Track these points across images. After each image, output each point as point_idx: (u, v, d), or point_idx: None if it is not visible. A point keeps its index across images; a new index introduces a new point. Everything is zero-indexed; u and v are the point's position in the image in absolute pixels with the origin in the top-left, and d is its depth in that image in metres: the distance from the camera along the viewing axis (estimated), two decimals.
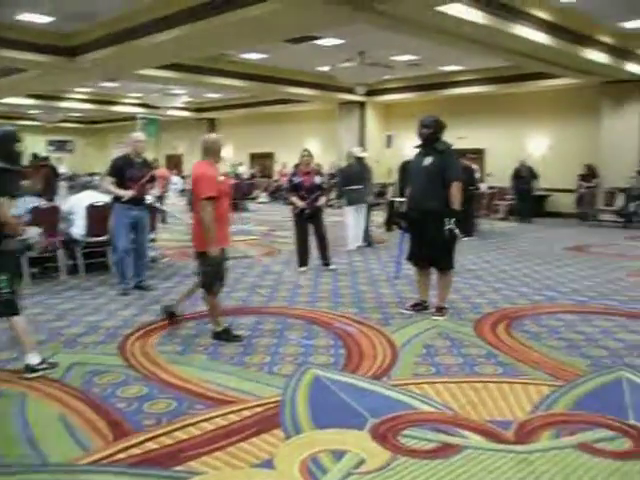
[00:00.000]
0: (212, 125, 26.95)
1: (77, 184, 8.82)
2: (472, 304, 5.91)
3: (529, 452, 2.83)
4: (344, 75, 14.41)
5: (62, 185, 17.38)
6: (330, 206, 10.29)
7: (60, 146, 31.52)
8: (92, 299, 6.03)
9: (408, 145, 16.05)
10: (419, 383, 3.74)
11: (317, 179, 7.71)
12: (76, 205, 7.15)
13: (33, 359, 3.80)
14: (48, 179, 13.04)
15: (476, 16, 9.19)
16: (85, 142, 33.50)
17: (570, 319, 5.35)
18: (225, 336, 4.63)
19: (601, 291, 6.58)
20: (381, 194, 14.27)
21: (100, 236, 7.08)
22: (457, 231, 5.11)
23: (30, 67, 13.52)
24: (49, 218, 6.79)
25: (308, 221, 7.65)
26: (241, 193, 18.14)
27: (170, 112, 23.18)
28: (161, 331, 4.90)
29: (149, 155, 13.93)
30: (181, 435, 3.00)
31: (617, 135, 14.57)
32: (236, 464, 2.72)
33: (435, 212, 5.10)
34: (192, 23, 9.80)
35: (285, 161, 22.38)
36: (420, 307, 5.51)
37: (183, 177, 23.69)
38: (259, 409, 3.32)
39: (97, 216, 6.98)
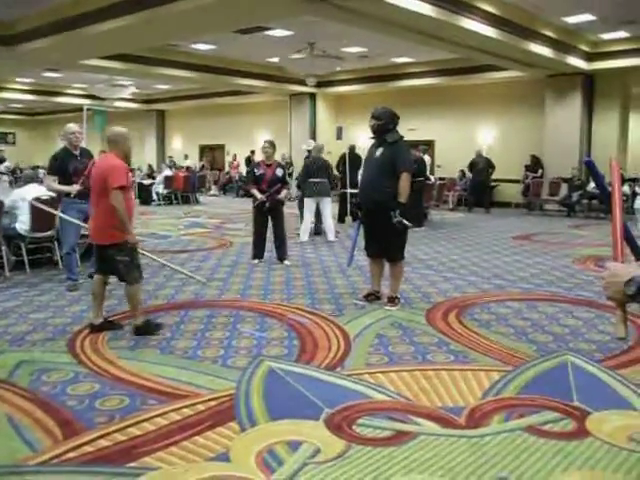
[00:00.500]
0: (161, 117, 26.51)
1: (23, 177, 8.53)
2: (423, 293, 6.01)
3: (480, 436, 2.91)
4: (294, 66, 14.38)
5: (3, 179, 16.84)
6: (289, 199, 10.24)
7: (1, 138, 30.43)
8: (39, 295, 5.87)
9: (360, 137, 16.21)
10: (373, 372, 3.78)
11: (279, 172, 7.59)
12: (20, 199, 6.93)
13: None
14: None
15: (425, 9, 9.30)
16: (28, 134, 32.42)
17: (517, 306, 5.50)
18: (146, 329, 4.55)
19: (547, 278, 6.79)
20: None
21: (45, 231, 6.88)
22: (406, 222, 5.15)
23: None
24: None
25: (267, 214, 7.56)
26: (192, 185, 17.92)
27: (117, 104, 22.66)
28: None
29: (96, 147, 13.60)
30: (135, 431, 2.96)
31: (560, 127, 15.03)
32: (191, 458, 2.70)
33: (385, 203, 5.15)
34: (137, 12, 9.61)
35: (236, 153, 22.21)
36: (373, 297, 5.57)
37: (132, 170, 23.23)
38: (213, 403, 3.30)
39: (42, 210, 6.76)
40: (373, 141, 5.48)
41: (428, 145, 15.99)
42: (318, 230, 10.23)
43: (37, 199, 6.74)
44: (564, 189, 14.89)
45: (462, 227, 12.07)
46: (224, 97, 21.34)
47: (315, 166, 9.64)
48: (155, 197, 17.21)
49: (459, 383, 3.60)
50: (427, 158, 12.95)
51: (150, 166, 21.52)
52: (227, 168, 22.87)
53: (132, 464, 2.66)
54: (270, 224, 7.67)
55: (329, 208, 9.65)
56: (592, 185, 13.52)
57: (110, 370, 3.81)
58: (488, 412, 3.18)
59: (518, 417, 3.13)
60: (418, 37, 11.08)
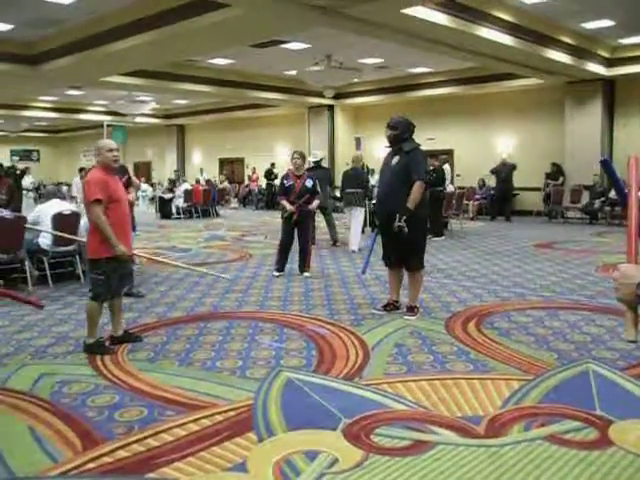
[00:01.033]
0: (181, 131, 26.83)
1: (45, 193, 8.68)
2: (443, 303, 5.97)
3: (500, 445, 2.87)
4: (312, 79, 14.48)
5: (28, 196, 17.15)
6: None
7: (25, 156, 31.00)
8: (61, 309, 5.94)
9: (378, 147, 16.23)
10: (391, 382, 3.76)
11: (309, 182, 7.51)
12: (43, 214, 7.04)
13: None
14: (12, 189, 12.81)
15: (441, 18, 9.33)
16: (52, 151, 33.00)
17: (538, 315, 5.44)
18: (97, 349, 4.44)
19: (569, 286, 6.70)
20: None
21: (68, 245, 6.99)
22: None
23: None
24: (14, 229, 6.67)
25: (295, 226, 7.49)
26: (211, 199, 18.08)
27: (138, 119, 22.99)
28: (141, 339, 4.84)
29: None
30: (153, 442, 2.97)
31: (581, 134, 14.89)
32: (209, 469, 2.71)
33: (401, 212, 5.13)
34: (156, 29, 9.76)
35: (255, 166, 22.34)
36: (392, 307, 5.55)
37: (152, 184, 23.52)
38: (232, 413, 3.30)
39: (65, 225, 6.88)
40: (388, 150, 5.49)
41: (447, 154, 15.95)
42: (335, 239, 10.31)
43: (59, 214, 6.86)
44: (586, 196, 14.73)
45: (482, 236, 11.98)
46: (243, 111, 21.54)
47: (351, 176, 9.75)
48: (175, 211, 17.37)
49: (478, 392, 3.56)
50: (447, 168, 12.90)
51: (171, 180, 21.77)
52: (246, 181, 23.01)
53: (150, 475, 2.67)
54: (295, 235, 7.60)
55: (359, 218, 9.66)
56: (614, 192, 13.34)
57: (129, 382, 3.84)
58: (508, 421, 3.14)
59: (539, 426, 3.08)
60: (435, 47, 11.10)
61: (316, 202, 7.66)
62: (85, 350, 4.46)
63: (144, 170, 27.37)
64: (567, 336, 4.74)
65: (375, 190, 5.69)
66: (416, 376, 3.88)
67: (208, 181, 21.04)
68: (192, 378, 3.88)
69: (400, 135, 5.31)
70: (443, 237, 11.34)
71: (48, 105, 21.95)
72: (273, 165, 20.38)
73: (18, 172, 17.18)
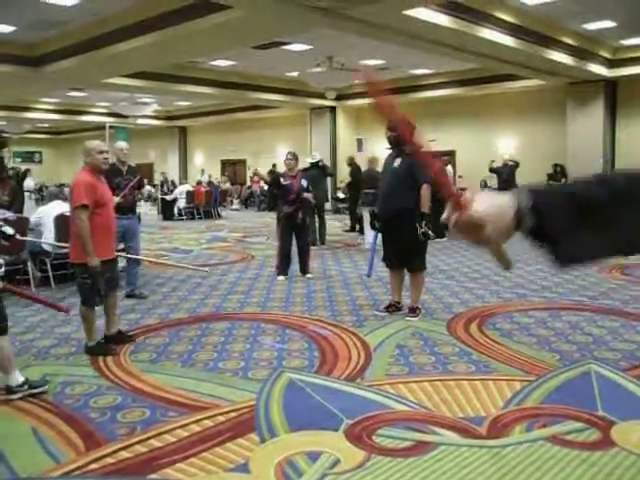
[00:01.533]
0: (183, 133, 26.86)
1: (47, 194, 8.70)
2: (445, 304, 5.97)
3: (502, 446, 2.87)
4: (314, 80, 14.49)
5: (31, 198, 17.16)
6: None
7: (27, 157, 31.05)
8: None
9: (379, 149, 16.20)
10: (393, 383, 3.76)
11: (304, 182, 7.60)
12: (45, 216, 7.05)
13: (12, 380, 3.55)
14: (14, 191, 12.82)
15: (442, 20, 9.33)
16: (53, 153, 33.05)
17: (540, 316, 5.44)
18: (99, 350, 4.44)
19: (571, 287, 6.70)
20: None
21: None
22: (430, 232, 5.14)
23: None
24: (17, 230, 6.67)
25: (293, 227, 7.47)
26: (213, 200, 18.10)
27: (140, 121, 23.01)
28: (134, 340, 4.85)
29: None
30: (155, 443, 2.98)
31: (583, 135, 14.88)
32: (211, 469, 2.71)
33: (403, 213, 5.14)
34: (158, 31, 9.78)
35: (257, 167, 22.34)
36: (394, 308, 5.55)
37: (154, 186, 23.54)
38: (234, 414, 3.31)
39: (67, 226, 6.87)
40: (389, 152, 5.49)
41: (449, 155, 15.96)
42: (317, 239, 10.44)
43: (61, 215, 6.87)
44: None
45: None
46: (244, 112, 21.55)
47: (367, 177, 9.88)
48: (177, 212, 17.39)
49: (480, 393, 3.56)
50: (449, 169, 12.91)
51: (172, 182, 21.80)
52: (248, 182, 23.02)
53: (153, 475, 2.68)
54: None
55: None
56: None
57: (132, 383, 3.85)
58: (510, 422, 3.14)
59: (541, 427, 3.08)
60: (436, 48, 11.10)
61: (309, 195, 7.66)
62: (87, 352, 4.46)
63: (146, 172, 27.40)
64: (569, 337, 4.73)
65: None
66: (418, 377, 3.88)
67: (210, 182, 21.05)
68: (194, 379, 3.89)
69: (400, 136, 5.31)
70: (445, 238, 11.33)
71: (50, 107, 21.99)
72: (274, 166, 20.38)
73: (20, 173, 17.19)
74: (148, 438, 3.03)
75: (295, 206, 7.40)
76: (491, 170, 15.61)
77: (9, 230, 3.80)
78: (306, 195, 7.53)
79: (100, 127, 21.69)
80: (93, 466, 2.76)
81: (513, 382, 3.74)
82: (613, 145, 15.01)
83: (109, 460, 2.81)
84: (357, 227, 12.35)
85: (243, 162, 24.46)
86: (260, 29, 9.67)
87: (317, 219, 10.65)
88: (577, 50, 12.51)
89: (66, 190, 9.74)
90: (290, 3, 8.24)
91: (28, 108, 21.54)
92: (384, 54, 13.74)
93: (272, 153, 21.97)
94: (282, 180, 7.58)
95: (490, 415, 3.23)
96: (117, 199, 5.97)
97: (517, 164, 15.31)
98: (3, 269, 3.34)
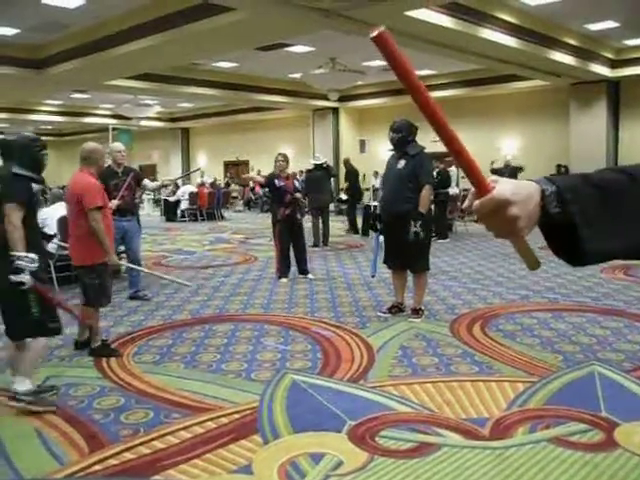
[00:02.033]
0: (186, 134, 26.90)
1: (50, 196, 8.73)
2: (448, 305, 5.97)
3: (505, 447, 2.87)
4: (316, 81, 14.50)
5: None
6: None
7: None
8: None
9: (382, 150, 16.21)
10: (396, 384, 3.76)
11: (297, 183, 7.67)
12: (49, 217, 7.07)
13: (22, 386, 3.46)
14: None
15: (445, 20, 9.33)
16: (55, 154, 33.09)
17: (543, 317, 5.43)
18: (103, 351, 4.45)
19: (574, 288, 6.69)
20: (359, 199, 14.39)
21: None
22: (422, 233, 5.12)
23: None
24: None
25: (292, 228, 7.49)
26: (216, 202, 18.10)
27: (143, 122, 23.06)
28: (137, 342, 4.86)
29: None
30: (159, 444, 2.98)
31: (586, 135, 14.87)
32: (214, 471, 2.72)
33: (406, 215, 5.14)
34: (160, 33, 9.81)
35: (260, 169, 22.37)
36: (396, 309, 5.55)
37: (165, 186, 23.49)
38: (236, 416, 3.31)
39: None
40: (392, 153, 5.50)
41: (450, 157, 15.91)
42: (320, 241, 10.54)
43: (65, 217, 6.85)
44: None
45: (487, 238, 11.95)
46: (247, 114, 21.58)
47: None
48: (180, 213, 17.41)
49: (483, 394, 3.56)
50: (453, 170, 12.89)
51: (175, 183, 21.76)
52: (251, 184, 23.00)
53: (156, 477, 2.68)
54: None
55: None
56: None
57: (135, 384, 3.85)
58: (513, 423, 3.14)
59: (544, 428, 3.08)
60: (439, 49, 11.11)
61: (300, 195, 7.68)
62: (91, 354, 4.46)
63: (150, 173, 27.43)
64: (572, 338, 4.73)
65: (379, 193, 5.72)
66: (421, 378, 3.88)
67: (213, 184, 21.06)
68: (197, 380, 3.90)
69: (404, 138, 5.32)
70: (448, 239, 11.34)
71: (53, 109, 22.05)
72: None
73: None
74: (151, 440, 3.03)
75: (292, 207, 7.42)
76: (492, 171, 15.57)
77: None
78: (297, 195, 7.54)
79: (103, 129, 21.72)
80: (96, 467, 2.77)
81: (516, 383, 3.74)
82: (616, 145, 15.00)
83: (112, 461, 2.81)
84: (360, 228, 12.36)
85: (246, 163, 24.48)
86: (263, 31, 9.70)
87: (320, 220, 10.66)
88: (580, 50, 12.51)
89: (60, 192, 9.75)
90: (293, 5, 8.25)
91: (31, 110, 21.61)
92: None
93: (275, 154, 21.94)
94: (276, 182, 7.56)
95: (493, 416, 3.23)
96: (115, 202, 5.99)
97: (521, 168, 15.27)
98: (36, 264, 3.35)
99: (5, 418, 3.37)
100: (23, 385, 3.45)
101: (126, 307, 6.11)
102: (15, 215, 3.33)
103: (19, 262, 3.30)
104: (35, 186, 3.55)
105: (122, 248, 6.45)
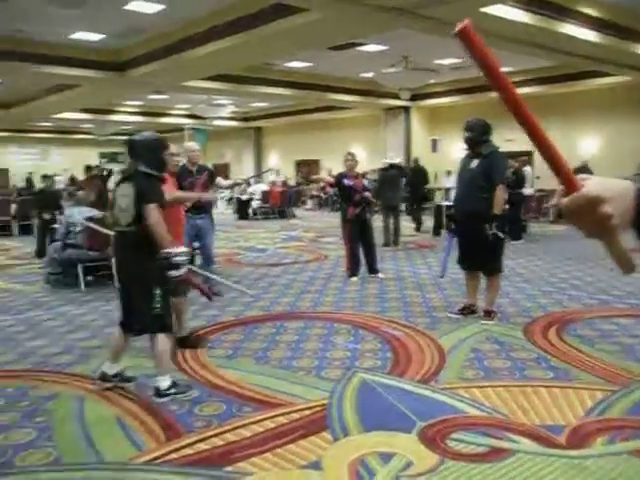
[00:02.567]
0: (258, 133, 27.34)
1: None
2: (521, 308, 5.82)
3: (583, 457, 2.77)
4: (388, 80, 14.41)
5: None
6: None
7: (112, 158, 32.43)
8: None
9: (454, 149, 15.97)
10: (467, 387, 3.71)
11: (365, 182, 7.66)
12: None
13: (163, 383, 3.61)
14: (100, 190, 13.44)
15: (521, 16, 9.09)
16: None
17: (625, 323, 5.20)
18: (194, 342, 4.63)
19: None
20: (426, 199, 14.22)
21: None
22: (500, 234, 5.04)
23: (83, 83, 14.02)
24: (103, 227, 7.01)
25: (362, 227, 7.47)
26: (287, 200, 18.35)
27: (217, 122, 23.57)
28: (211, 336, 4.99)
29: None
30: (231, 437, 3.06)
31: None
32: (285, 465, 2.76)
33: (479, 215, 5.05)
34: (236, 34, 10.00)
35: (331, 167, 22.48)
36: (468, 311, 5.45)
37: (238, 184, 23.98)
38: (307, 412, 3.35)
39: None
40: (465, 153, 5.41)
41: (526, 156, 15.49)
42: (391, 240, 10.52)
43: (90, 218, 7.05)
44: None
45: (563, 239, 11.56)
46: (319, 113, 21.69)
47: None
48: (251, 212, 17.75)
49: (559, 401, 3.45)
50: (527, 169, 12.53)
51: (248, 182, 22.16)
52: (321, 184, 23.14)
53: (229, 468, 2.75)
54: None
55: None
56: None
57: (208, 377, 3.96)
58: (591, 432, 3.03)
59: (624, 439, 2.95)
60: (515, 45, 10.81)
61: (369, 194, 7.63)
62: (178, 344, 4.52)
63: (223, 172, 28.07)
64: None
65: (452, 192, 5.64)
66: (493, 382, 3.80)
67: (284, 182, 21.33)
68: (269, 376, 3.97)
69: (477, 137, 5.22)
70: (522, 240, 11.03)
71: (133, 109, 22.90)
72: None
73: (105, 173, 17.98)
74: (224, 432, 3.11)
75: (361, 206, 7.40)
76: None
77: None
78: (366, 194, 7.51)
79: (179, 129, 22.40)
80: (173, 456, 2.87)
81: (594, 391, 3.60)
82: None
83: (188, 451, 2.91)
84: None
85: (317, 162, 24.64)
86: (335, 31, 9.73)
87: (392, 219, 10.62)
88: None
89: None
90: (365, 4, 8.24)
91: (113, 111, 22.52)
92: (460, 53, 13.48)
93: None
94: (345, 181, 7.55)
95: (570, 424, 3.13)
96: (195, 195, 6.07)
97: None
98: (188, 257, 3.57)
99: (87, 404, 3.54)
100: (165, 381, 3.61)
101: (199, 302, 6.26)
102: (157, 214, 3.51)
103: (176, 259, 3.51)
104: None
105: (196, 245, 6.61)
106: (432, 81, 16.16)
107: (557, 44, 10.76)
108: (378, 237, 8.17)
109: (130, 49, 12.49)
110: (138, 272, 3.56)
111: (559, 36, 10.01)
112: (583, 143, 16.33)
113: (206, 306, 6.06)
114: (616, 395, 3.52)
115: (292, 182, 22.62)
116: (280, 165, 25.40)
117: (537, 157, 17.38)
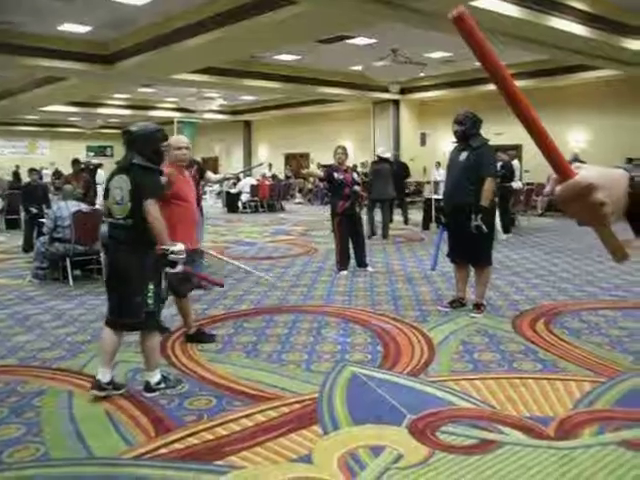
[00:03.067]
0: (248, 127, 27.25)
1: None
2: (510, 301, 5.85)
3: (571, 448, 2.79)
4: (378, 74, 14.38)
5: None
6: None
7: (100, 152, 32.21)
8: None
9: (443, 143, 15.99)
10: (457, 379, 3.72)
11: (355, 176, 7.65)
12: None
13: (153, 377, 3.62)
14: (88, 184, 13.35)
15: (510, 10, 9.09)
16: (123, 147, 34.15)
17: (612, 315, 5.24)
18: (201, 337, 4.60)
19: None
20: (416, 192, 14.25)
21: None
22: (484, 227, 5.04)
23: (70, 75, 13.89)
24: (91, 221, 6.97)
25: (351, 221, 7.47)
26: (277, 194, 18.32)
27: (206, 115, 23.48)
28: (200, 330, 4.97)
29: None
30: (221, 431, 3.05)
31: None
32: (275, 459, 2.76)
33: (468, 208, 5.07)
34: (225, 27, 9.94)
35: (319, 161, 22.46)
36: (457, 304, 5.48)
37: (227, 179, 23.93)
38: (297, 406, 3.35)
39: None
40: (455, 145, 5.42)
41: (515, 149, 15.56)
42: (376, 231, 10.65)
43: (78, 211, 7.02)
44: None
45: (551, 232, 11.64)
46: (308, 106, 21.65)
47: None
48: (241, 205, 17.70)
49: (548, 393, 3.48)
50: (516, 163, 12.58)
51: (237, 176, 22.10)
52: (311, 179, 23.13)
53: (219, 462, 2.75)
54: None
55: None
56: None
57: (199, 371, 3.96)
58: (579, 424, 3.05)
59: (613, 430, 2.98)
60: (505, 39, 10.81)
61: (359, 187, 7.62)
62: (187, 340, 4.57)
63: (211, 165, 27.95)
64: None
65: (441, 186, 5.66)
66: (482, 374, 3.82)
67: (274, 176, 21.29)
68: (259, 370, 3.96)
69: (467, 130, 5.23)
70: (510, 234, 11.08)
71: (121, 102, 22.74)
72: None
73: (92, 167, 17.84)
74: (214, 426, 3.11)
75: (351, 200, 7.40)
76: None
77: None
78: (356, 188, 7.51)
79: (168, 122, 22.24)
80: (163, 450, 2.86)
81: (583, 383, 3.63)
82: None
83: (178, 446, 2.90)
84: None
85: (306, 156, 24.61)
86: (323, 24, 9.70)
87: (383, 213, 10.72)
88: None
89: None
90: None
91: (100, 104, 22.36)
92: (450, 46, 13.49)
93: (335, 146, 21.98)
94: (336, 175, 7.54)
95: (558, 416, 3.15)
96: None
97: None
98: (185, 254, 3.53)
99: (76, 399, 3.53)
100: (155, 376, 3.61)
101: (189, 296, 6.24)
102: (156, 210, 3.46)
103: (173, 256, 3.46)
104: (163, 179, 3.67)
105: None
106: (422, 74, 16.16)
107: (546, 38, 10.78)
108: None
109: (118, 41, 12.38)
110: (133, 266, 3.48)
111: (549, 30, 10.03)
112: (572, 136, 16.41)
113: (196, 300, 6.03)
114: (604, 386, 3.56)
115: (281, 176, 22.58)
116: (269, 158, 25.34)
117: (526, 150, 17.51)
